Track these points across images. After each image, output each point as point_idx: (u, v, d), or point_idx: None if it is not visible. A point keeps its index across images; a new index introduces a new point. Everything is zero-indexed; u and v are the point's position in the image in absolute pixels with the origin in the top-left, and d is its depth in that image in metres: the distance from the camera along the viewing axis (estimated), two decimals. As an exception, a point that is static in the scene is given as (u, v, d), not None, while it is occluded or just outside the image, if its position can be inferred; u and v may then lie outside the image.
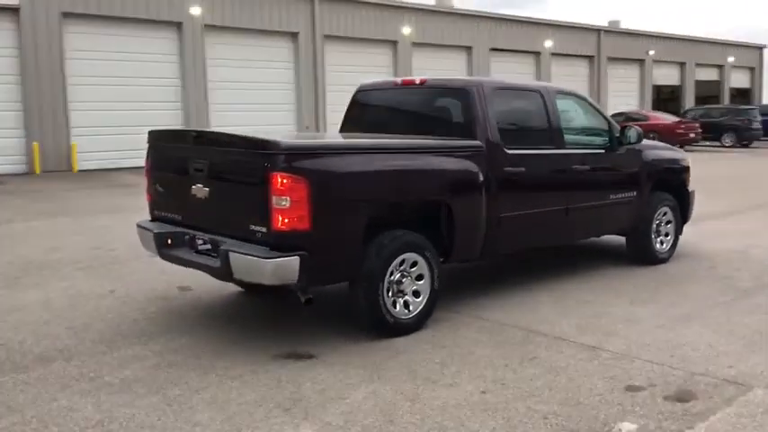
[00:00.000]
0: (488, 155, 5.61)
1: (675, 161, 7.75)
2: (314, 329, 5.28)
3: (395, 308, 5.07)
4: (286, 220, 4.48)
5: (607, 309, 5.83)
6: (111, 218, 10.84)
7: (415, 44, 26.94)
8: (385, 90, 6.63)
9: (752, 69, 47.33)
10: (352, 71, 25.03)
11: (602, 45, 35.23)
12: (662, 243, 7.54)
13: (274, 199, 4.47)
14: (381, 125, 6.32)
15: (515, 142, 5.89)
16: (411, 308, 5.18)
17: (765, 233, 9.49)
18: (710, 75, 43.94)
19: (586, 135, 6.85)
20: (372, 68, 25.72)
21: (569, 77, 33.37)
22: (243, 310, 5.89)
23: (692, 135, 28.94)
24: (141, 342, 5.04)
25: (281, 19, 23.05)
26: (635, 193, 7.06)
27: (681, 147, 27.12)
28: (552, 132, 6.28)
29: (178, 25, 20.84)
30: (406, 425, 3.72)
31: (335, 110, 23.83)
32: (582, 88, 33.75)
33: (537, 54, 32.09)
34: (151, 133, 5.67)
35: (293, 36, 23.59)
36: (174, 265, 5.48)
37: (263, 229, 4.58)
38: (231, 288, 6.27)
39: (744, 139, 31.44)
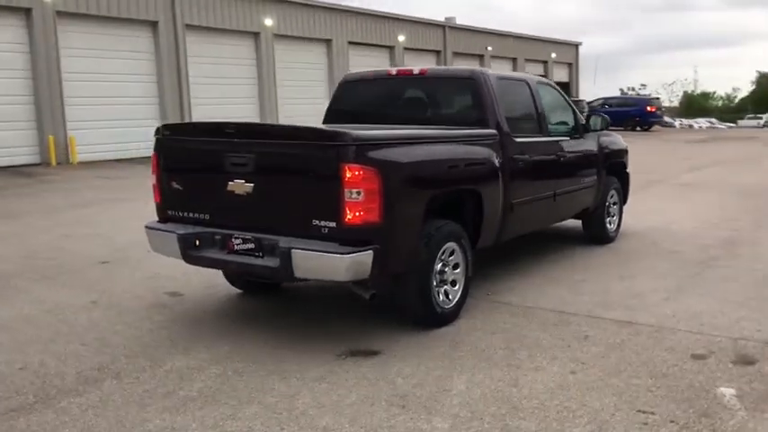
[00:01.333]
0: (501, 143, 5.74)
1: (620, 145, 8.32)
2: (353, 325, 5.15)
3: (439, 297, 5.07)
4: (358, 214, 4.33)
5: (605, 285, 6.18)
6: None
7: (277, 36, 26.52)
8: (375, 81, 6.54)
9: (570, 65, 51.36)
10: (216, 63, 24.26)
11: (447, 40, 36.62)
12: (610, 224, 8.09)
13: (346, 192, 4.30)
14: (375, 116, 6.23)
15: (517, 130, 6.05)
16: (450, 297, 5.19)
17: (671, 210, 10.45)
18: (537, 70, 47.10)
19: (561, 123, 7.18)
20: (236, 60, 25.05)
21: (420, 71, 34.38)
22: (259, 312, 5.59)
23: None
24: (181, 352, 4.65)
25: (138, 6, 21.72)
26: (596, 177, 7.52)
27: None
28: (540, 121, 6.53)
29: (27, 11, 19.01)
30: (531, 409, 3.75)
31: (201, 103, 23.03)
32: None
33: (391, 48, 32.75)
34: (166, 127, 5.22)
35: (153, 25, 22.32)
36: (152, 270, 5.12)
37: (332, 224, 4.39)
38: (223, 291, 5.97)
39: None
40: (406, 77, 6.30)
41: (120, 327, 5.21)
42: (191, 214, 5.08)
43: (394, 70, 6.39)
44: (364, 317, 5.32)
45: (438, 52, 36.25)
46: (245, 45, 25.61)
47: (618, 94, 61.06)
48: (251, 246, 4.74)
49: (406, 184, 4.66)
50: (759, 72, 68.17)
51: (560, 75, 49.67)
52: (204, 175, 5.01)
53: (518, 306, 5.60)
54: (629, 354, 4.54)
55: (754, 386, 4.00)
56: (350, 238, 4.36)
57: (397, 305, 5.06)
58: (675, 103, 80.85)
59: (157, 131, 5.25)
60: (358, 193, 4.30)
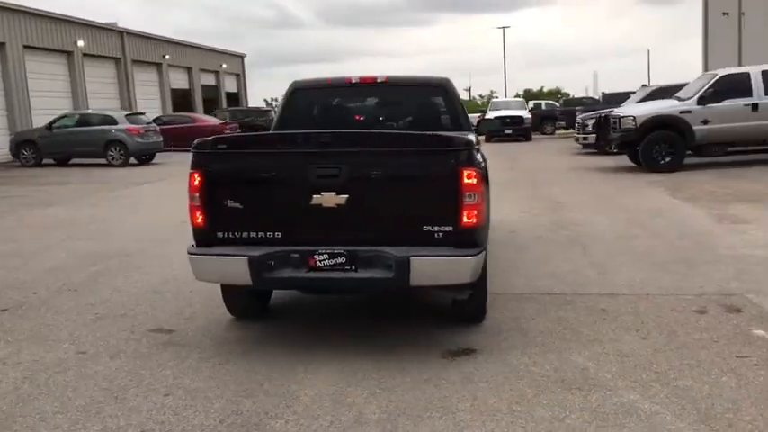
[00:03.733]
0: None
1: None
2: (415, 324, 5.24)
3: (485, 295, 5.38)
4: (472, 216, 4.49)
5: (577, 270, 6.93)
6: None
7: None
8: (333, 89, 6.46)
9: (238, 76, 52.28)
10: None
11: (126, 47, 34.67)
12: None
13: (465, 195, 4.44)
14: (337, 124, 6.24)
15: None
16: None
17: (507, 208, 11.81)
18: (210, 80, 47.08)
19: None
20: None
21: (102, 80, 32.19)
22: (310, 321, 5.28)
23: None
24: (297, 373, 4.30)
25: None
26: None
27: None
28: (469, 124, 7.11)
29: None
30: (686, 389, 4.07)
31: None
32: (113, 92, 32.90)
33: (70, 54, 29.94)
34: (219, 141, 4.63)
35: None
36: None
37: (447, 228, 4.47)
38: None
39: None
40: (369, 86, 6.36)
41: (191, 361, 4.53)
42: (255, 234, 4.62)
43: (354, 78, 6.40)
44: (424, 320, 5.45)
45: (118, 59, 34.12)
46: None
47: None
48: (341, 260, 4.53)
49: (487, 185, 4.92)
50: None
51: (230, 85, 50.23)
52: (277, 190, 4.62)
53: (542, 294, 6.09)
54: (648, 320, 5.40)
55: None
56: (464, 241, 4.49)
57: (464, 305, 5.21)
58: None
59: (201, 146, 4.66)
60: (472, 195, 4.46)
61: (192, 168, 4.65)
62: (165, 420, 3.81)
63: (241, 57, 52.52)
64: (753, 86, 15.96)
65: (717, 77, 16.34)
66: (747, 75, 16.20)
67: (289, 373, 4.42)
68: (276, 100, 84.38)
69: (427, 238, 4.49)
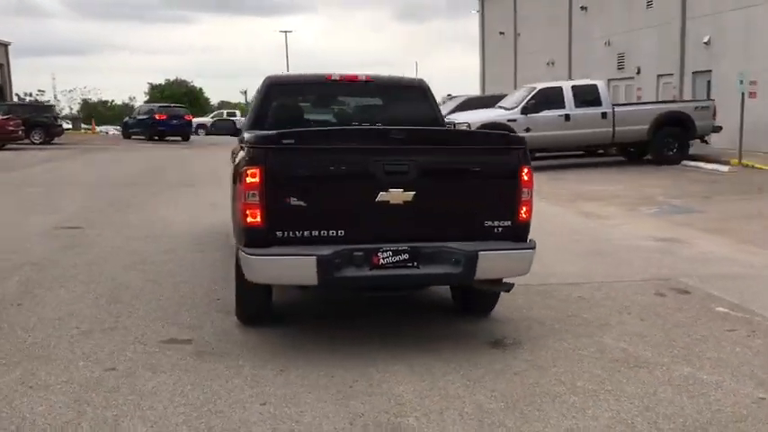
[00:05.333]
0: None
1: None
2: (431, 321, 5.36)
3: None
4: (528, 212, 4.75)
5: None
6: None
7: None
8: (312, 85, 6.30)
9: (2, 66, 47.01)
10: None
11: None
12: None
13: (524, 191, 4.68)
14: (314, 122, 6.17)
15: None
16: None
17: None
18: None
19: None
20: None
21: None
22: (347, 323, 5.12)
23: (20, 132, 28.13)
24: (377, 371, 4.23)
25: None
26: None
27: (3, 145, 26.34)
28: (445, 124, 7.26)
29: None
30: (719, 360, 4.61)
31: None
32: None
33: None
34: (284, 135, 4.35)
35: None
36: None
37: (507, 223, 4.67)
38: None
39: (51, 135, 32.04)
40: (351, 84, 6.28)
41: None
42: (316, 233, 4.45)
43: (337, 75, 6.27)
44: (434, 316, 5.56)
45: None
46: None
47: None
48: (404, 257, 4.54)
49: None
50: (150, 84, 73.54)
51: (-7, 77, 45.02)
52: (343, 187, 4.48)
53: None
54: (627, 304, 6.03)
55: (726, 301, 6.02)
56: (520, 235, 4.74)
57: (482, 299, 5.43)
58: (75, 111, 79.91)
59: (264, 140, 4.37)
60: (527, 192, 4.73)
61: (248, 164, 4.36)
62: (296, 428, 3.59)
63: (5, 45, 47.25)
64: (565, 99, 17.93)
65: (536, 90, 18.13)
66: (561, 89, 18.15)
67: (369, 372, 4.35)
68: (32, 95, 76.91)
69: (488, 232, 4.65)
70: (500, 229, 4.68)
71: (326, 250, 4.37)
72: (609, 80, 26.23)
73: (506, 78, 37.41)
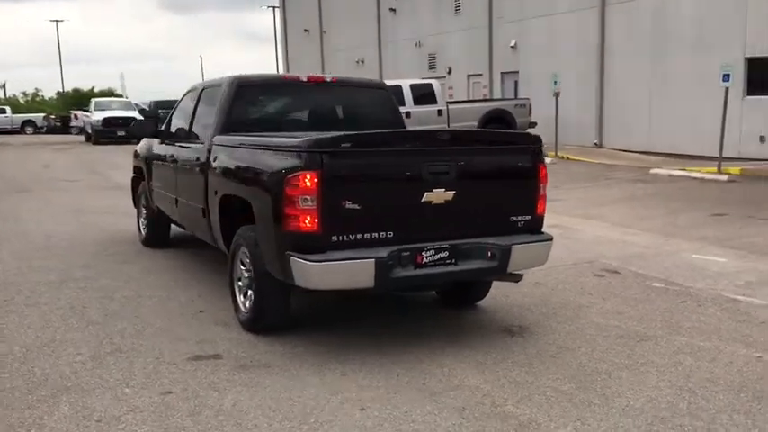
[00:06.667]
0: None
1: None
2: (435, 314, 5.56)
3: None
4: (544, 206, 5.13)
5: None
6: None
7: None
8: (281, 86, 6.15)
9: None
10: None
11: None
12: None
13: (541, 186, 5.05)
14: (284, 123, 6.11)
15: None
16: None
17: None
18: None
19: None
20: None
21: None
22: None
23: None
24: (437, 368, 4.36)
25: None
26: None
27: None
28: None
29: None
30: (731, 330, 5.19)
31: None
32: None
33: None
34: (343, 139, 4.26)
35: None
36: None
37: (527, 217, 5.00)
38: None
39: None
40: (317, 85, 6.22)
41: (319, 388, 4.11)
42: (368, 235, 4.45)
43: (304, 77, 6.16)
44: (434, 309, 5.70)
45: None
46: None
47: None
48: (444, 254, 4.71)
49: None
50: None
51: None
52: (394, 189, 4.51)
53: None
54: (585, 286, 6.66)
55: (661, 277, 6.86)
56: (537, 228, 5.10)
57: (480, 289, 5.72)
58: None
59: (319, 144, 4.26)
60: (544, 187, 5.10)
61: (303, 169, 4.26)
62: (418, 428, 3.64)
63: None
64: (405, 97, 18.74)
65: (378, 88, 18.66)
66: (401, 87, 18.92)
67: (425, 368, 4.47)
68: None
69: (513, 227, 4.96)
70: (522, 223, 5.00)
71: (383, 252, 4.41)
72: (422, 79, 27.64)
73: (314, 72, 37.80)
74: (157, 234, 8.06)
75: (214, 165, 5.60)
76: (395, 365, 4.50)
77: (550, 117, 19.83)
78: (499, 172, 4.98)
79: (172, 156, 6.82)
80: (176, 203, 6.70)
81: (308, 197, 4.27)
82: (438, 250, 4.66)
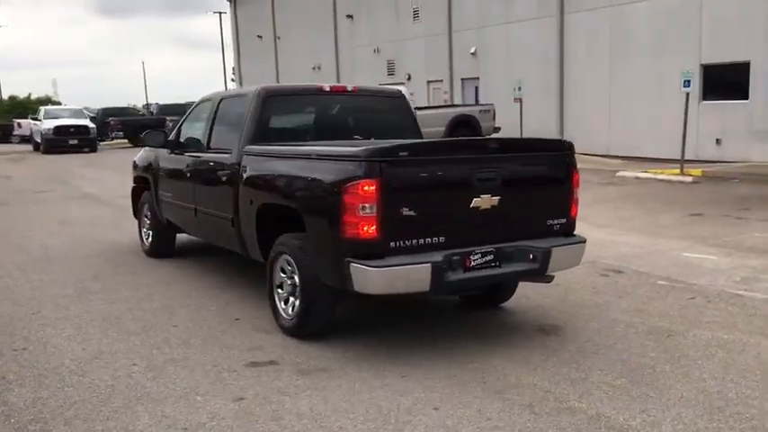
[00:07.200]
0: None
1: None
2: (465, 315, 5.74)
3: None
4: (576, 209, 5.37)
5: None
6: None
7: None
8: (306, 96, 6.24)
9: None
10: None
11: None
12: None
13: (575, 191, 5.28)
14: (312, 131, 6.22)
15: None
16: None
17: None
18: None
19: None
20: None
21: None
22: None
23: None
24: (490, 367, 4.54)
25: None
26: None
27: None
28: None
29: None
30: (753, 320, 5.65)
31: None
32: None
33: None
34: (401, 148, 4.40)
35: None
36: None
37: (563, 221, 5.23)
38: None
39: None
40: (340, 94, 6.34)
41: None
42: (423, 240, 4.60)
43: (327, 86, 6.26)
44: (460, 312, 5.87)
45: None
46: None
47: None
48: (489, 258, 4.89)
49: None
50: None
51: None
52: (447, 195, 4.67)
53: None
54: (598, 286, 6.93)
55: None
56: (570, 231, 5.34)
57: (506, 292, 5.94)
58: None
59: (379, 153, 4.39)
60: (577, 191, 5.34)
61: (363, 177, 4.38)
62: (500, 426, 3.80)
63: None
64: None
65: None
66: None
67: (477, 368, 4.64)
68: None
69: (549, 230, 5.18)
70: (558, 226, 5.23)
71: (438, 257, 4.56)
72: (380, 85, 27.87)
73: (268, 81, 37.73)
74: (163, 244, 8.02)
75: (246, 174, 5.65)
76: (449, 366, 4.65)
77: (512, 123, 20.29)
78: (538, 177, 5.21)
79: (188, 166, 6.82)
80: (195, 213, 6.70)
81: (368, 205, 4.39)
82: (484, 254, 4.84)
